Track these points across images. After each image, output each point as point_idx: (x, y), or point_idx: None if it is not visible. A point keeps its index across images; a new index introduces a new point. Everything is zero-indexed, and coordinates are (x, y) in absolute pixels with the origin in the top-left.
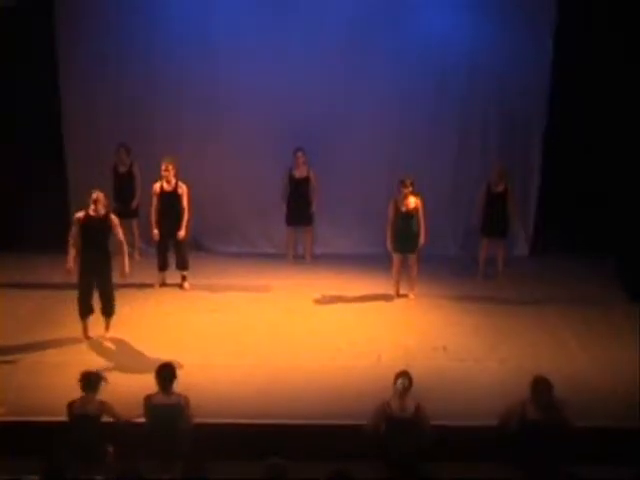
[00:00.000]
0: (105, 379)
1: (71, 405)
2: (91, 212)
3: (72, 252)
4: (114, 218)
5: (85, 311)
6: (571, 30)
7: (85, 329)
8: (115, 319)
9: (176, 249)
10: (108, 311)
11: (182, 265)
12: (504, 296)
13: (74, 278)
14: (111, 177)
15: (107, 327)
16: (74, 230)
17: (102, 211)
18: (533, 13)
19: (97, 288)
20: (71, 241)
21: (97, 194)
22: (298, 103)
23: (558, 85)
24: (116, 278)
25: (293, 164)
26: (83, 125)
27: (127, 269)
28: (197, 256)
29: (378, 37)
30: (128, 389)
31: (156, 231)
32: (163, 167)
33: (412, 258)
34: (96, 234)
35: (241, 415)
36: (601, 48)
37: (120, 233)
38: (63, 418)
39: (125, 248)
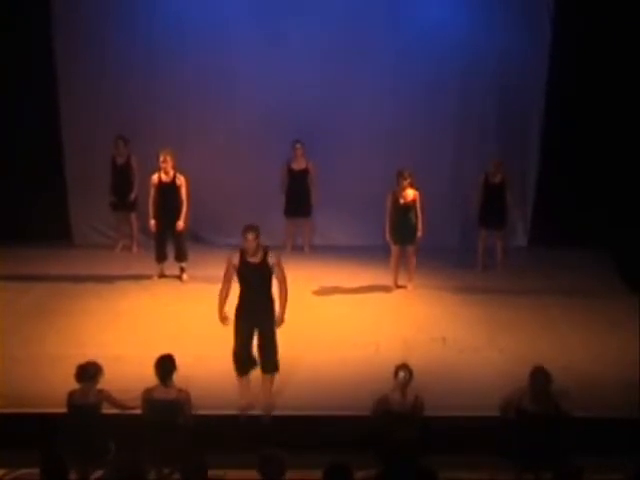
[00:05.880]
0: (102, 370)
1: (71, 395)
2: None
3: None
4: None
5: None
6: (570, 16)
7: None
8: (113, 311)
9: (175, 241)
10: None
11: (181, 257)
12: (503, 287)
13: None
14: (109, 169)
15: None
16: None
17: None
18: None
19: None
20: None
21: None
22: (297, 95)
23: (557, 75)
24: None
25: (291, 156)
26: (81, 117)
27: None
28: (195, 248)
29: (375, 25)
30: (127, 381)
31: (153, 221)
32: (161, 158)
33: (411, 249)
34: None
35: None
36: (600, 35)
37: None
38: (62, 410)
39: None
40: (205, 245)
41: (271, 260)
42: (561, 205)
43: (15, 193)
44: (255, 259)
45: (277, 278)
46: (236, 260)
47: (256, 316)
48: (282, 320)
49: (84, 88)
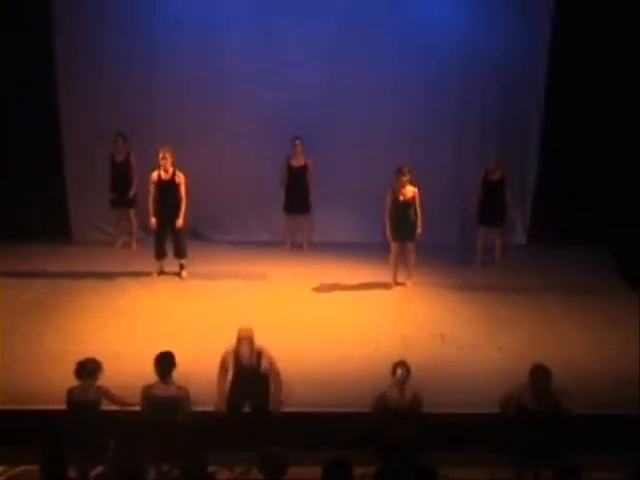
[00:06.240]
0: (102, 367)
1: (70, 392)
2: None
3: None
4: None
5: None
6: (570, 16)
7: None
8: (112, 308)
9: (174, 238)
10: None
11: (180, 254)
12: (502, 285)
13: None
14: (108, 167)
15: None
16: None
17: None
18: None
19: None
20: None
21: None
22: (296, 92)
23: (556, 75)
24: None
25: (291, 153)
26: (81, 117)
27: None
28: (195, 244)
29: (375, 25)
30: (126, 378)
31: (154, 219)
32: (160, 155)
33: (410, 246)
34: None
35: None
36: (600, 35)
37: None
38: (62, 406)
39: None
40: (204, 242)
41: (264, 364)
42: (560, 203)
43: (15, 191)
44: (249, 364)
45: (272, 382)
46: (230, 361)
47: (249, 399)
48: (278, 412)
49: (84, 88)
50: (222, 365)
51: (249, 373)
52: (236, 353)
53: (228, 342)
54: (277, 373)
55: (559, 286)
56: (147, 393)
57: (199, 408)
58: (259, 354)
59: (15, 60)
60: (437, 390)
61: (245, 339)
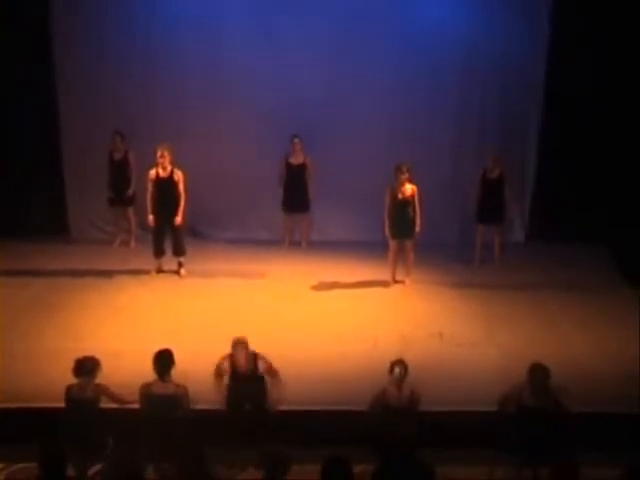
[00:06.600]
0: (100, 365)
1: (69, 389)
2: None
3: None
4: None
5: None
6: (569, 15)
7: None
8: (111, 306)
9: (172, 235)
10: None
11: (179, 251)
12: (501, 282)
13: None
14: (107, 165)
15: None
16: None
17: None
18: None
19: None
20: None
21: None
22: (296, 92)
23: (556, 72)
24: None
25: (290, 150)
26: (80, 116)
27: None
28: (193, 242)
29: (375, 25)
30: (125, 376)
31: (151, 217)
32: (158, 153)
33: (409, 244)
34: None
35: None
36: (599, 35)
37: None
38: (61, 404)
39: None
40: (203, 240)
41: (262, 367)
42: (558, 201)
43: (14, 189)
44: (245, 369)
45: (270, 384)
46: (226, 367)
47: (248, 400)
48: (275, 410)
49: (83, 88)
50: (217, 371)
51: (246, 377)
52: (232, 360)
53: (226, 342)
54: (276, 373)
55: (558, 284)
56: (146, 391)
57: (198, 406)
58: (255, 357)
59: (14, 60)
60: (435, 388)
61: (240, 344)
